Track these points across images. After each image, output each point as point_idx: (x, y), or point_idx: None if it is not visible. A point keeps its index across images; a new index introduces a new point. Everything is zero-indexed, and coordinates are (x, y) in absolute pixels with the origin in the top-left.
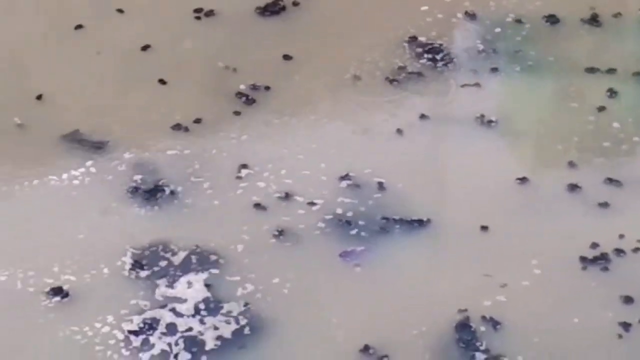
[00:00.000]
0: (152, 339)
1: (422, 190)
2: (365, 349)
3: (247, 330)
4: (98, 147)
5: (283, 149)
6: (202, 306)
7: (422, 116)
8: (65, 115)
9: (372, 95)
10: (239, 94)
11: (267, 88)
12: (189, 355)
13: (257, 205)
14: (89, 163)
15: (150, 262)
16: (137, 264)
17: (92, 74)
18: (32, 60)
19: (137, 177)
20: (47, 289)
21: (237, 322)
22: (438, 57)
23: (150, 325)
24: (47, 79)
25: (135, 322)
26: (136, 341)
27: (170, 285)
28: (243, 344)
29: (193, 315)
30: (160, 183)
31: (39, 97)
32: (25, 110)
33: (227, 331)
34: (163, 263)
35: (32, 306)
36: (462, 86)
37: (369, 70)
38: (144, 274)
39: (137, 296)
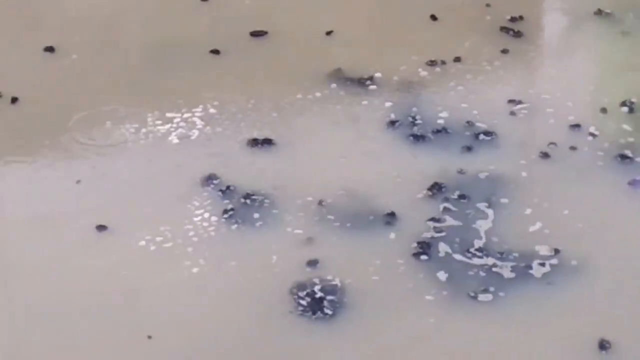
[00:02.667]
0: (440, 268)
1: None
2: None
3: (553, 268)
4: (360, 83)
5: (551, 78)
6: (495, 240)
7: None
8: (336, 52)
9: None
10: (504, 28)
11: (521, 18)
12: (488, 292)
13: (537, 136)
14: (351, 99)
15: (448, 188)
16: (435, 186)
17: (370, 9)
18: None
19: (398, 112)
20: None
21: (543, 260)
22: None
23: (431, 252)
24: (335, 16)
25: (417, 248)
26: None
27: (460, 214)
28: (551, 279)
29: (483, 249)
30: (414, 115)
31: (329, 33)
32: (309, 44)
33: (533, 269)
34: (456, 191)
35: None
36: None
37: (615, 4)
38: (440, 196)
39: (425, 224)
